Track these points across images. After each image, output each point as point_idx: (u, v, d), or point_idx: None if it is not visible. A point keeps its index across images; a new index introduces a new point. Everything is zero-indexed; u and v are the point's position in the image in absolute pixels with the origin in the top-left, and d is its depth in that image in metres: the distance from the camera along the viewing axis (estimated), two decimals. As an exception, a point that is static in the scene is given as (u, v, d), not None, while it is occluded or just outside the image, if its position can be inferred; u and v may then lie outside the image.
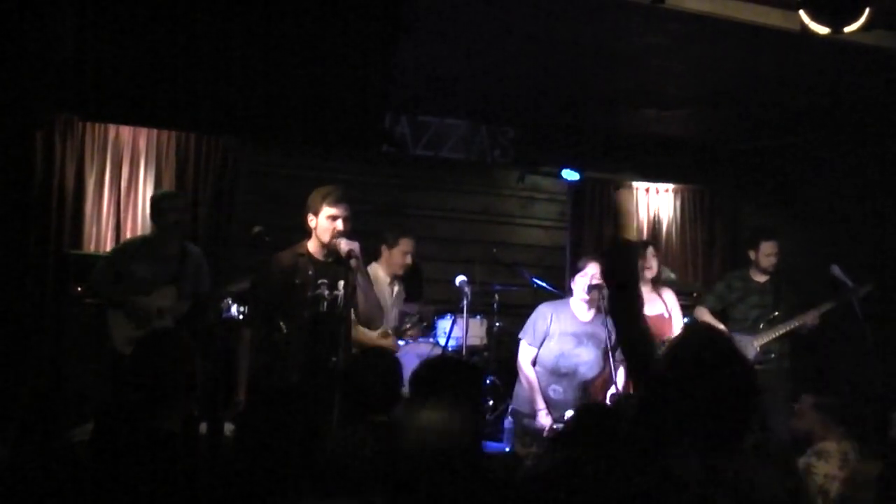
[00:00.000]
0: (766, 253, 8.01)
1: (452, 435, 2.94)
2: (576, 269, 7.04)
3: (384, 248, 7.16)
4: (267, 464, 3.24)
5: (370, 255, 7.01)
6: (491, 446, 6.40)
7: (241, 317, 6.89)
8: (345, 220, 5.68)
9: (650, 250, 7.64)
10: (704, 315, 8.14)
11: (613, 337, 6.68)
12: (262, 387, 5.48)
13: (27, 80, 6.95)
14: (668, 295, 7.61)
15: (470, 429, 3.00)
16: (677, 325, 7.47)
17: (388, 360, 4.60)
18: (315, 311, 5.66)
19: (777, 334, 7.84)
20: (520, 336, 7.01)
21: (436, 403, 3.05)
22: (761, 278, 8.09)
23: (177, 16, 6.53)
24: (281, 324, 5.57)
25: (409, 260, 7.24)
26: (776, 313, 7.89)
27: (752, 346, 7.80)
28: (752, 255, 8.12)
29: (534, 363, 6.86)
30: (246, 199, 8.72)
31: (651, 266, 7.53)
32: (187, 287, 7.04)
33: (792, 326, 7.80)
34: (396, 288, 7.21)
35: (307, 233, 5.79)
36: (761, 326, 7.89)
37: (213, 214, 8.49)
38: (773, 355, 7.83)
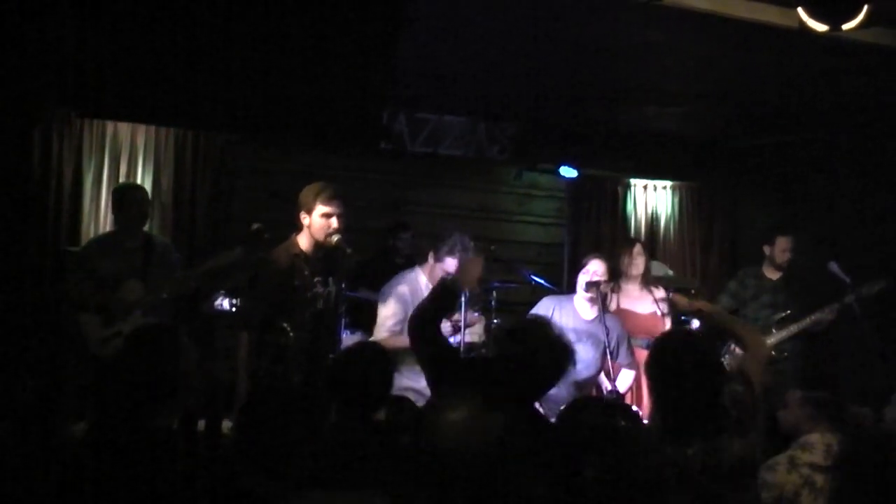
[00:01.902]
0: (782, 248, 7.97)
1: (487, 434, 2.94)
2: (579, 266, 7.05)
3: (430, 257, 6.89)
4: (268, 462, 3.24)
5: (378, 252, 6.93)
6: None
7: (233, 309, 6.85)
8: (339, 217, 5.65)
9: (637, 248, 7.55)
10: None
11: (613, 338, 6.69)
12: (264, 389, 5.45)
13: (25, 76, 6.94)
14: (660, 293, 7.56)
15: (501, 427, 2.98)
16: (668, 323, 7.46)
17: (375, 353, 4.59)
18: (314, 309, 5.66)
19: (790, 333, 7.72)
20: None
21: (469, 402, 3.04)
22: (774, 275, 8.04)
23: (175, 12, 6.53)
24: (286, 326, 5.53)
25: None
26: (788, 312, 7.80)
27: None
28: (766, 250, 8.06)
29: None
30: (244, 196, 8.72)
31: (637, 264, 7.46)
32: (155, 279, 6.81)
33: (805, 325, 7.68)
34: None
35: (297, 228, 5.77)
36: (773, 326, 7.78)
37: (212, 212, 8.49)
38: (785, 354, 7.73)
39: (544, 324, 4.57)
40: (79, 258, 7.01)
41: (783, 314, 7.81)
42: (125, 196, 6.98)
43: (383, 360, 4.47)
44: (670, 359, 3.86)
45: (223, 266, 6.68)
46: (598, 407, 4.32)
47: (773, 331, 7.75)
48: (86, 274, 6.78)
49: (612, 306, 7.17)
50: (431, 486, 2.90)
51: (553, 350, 4.30)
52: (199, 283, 6.94)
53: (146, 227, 7.11)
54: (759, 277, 8.10)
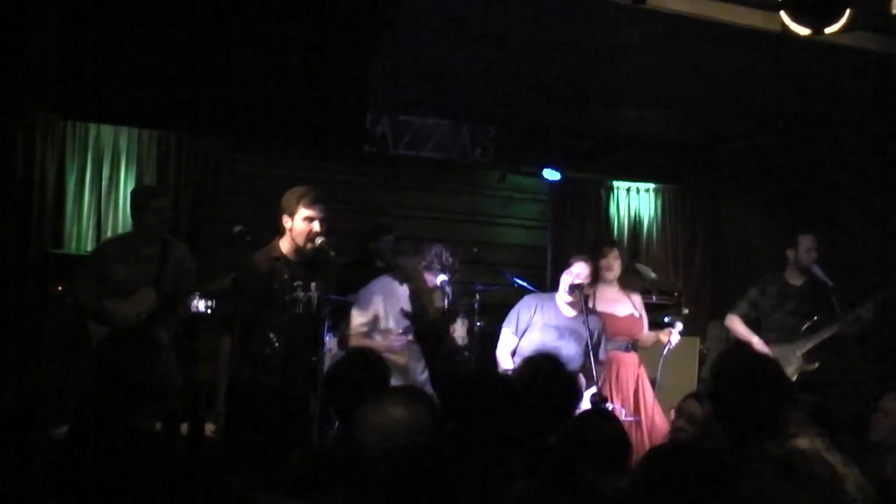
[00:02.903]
0: (807, 248, 7.63)
1: (413, 431, 2.94)
2: (563, 267, 7.09)
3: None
4: (250, 464, 3.25)
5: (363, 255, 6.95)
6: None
7: (208, 311, 6.80)
8: (321, 222, 5.65)
9: (613, 252, 7.44)
10: (736, 323, 7.77)
11: (595, 336, 6.74)
12: (246, 393, 5.43)
13: (8, 79, 6.92)
14: (636, 297, 7.53)
15: (431, 425, 2.99)
16: (645, 325, 7.47)
17: (374, 360, 4.60)
18: (292, 313, 5.65)
19: (820, 340, 7.46)
20: (503, 325, 7.03)
21: (398, 399, 3.05)
22: (798, 280, 7.70)
23: (159, 15, 6.51)
24: (271, 336, 5.54)
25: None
26: (815, 318, 7.51)
27: (794, 355, 7.49)
28: (790, 254, 7.72)
29: (513, 354, 6.90)
30: (227, 199, 8.70)
31: (613, 267, 7.37)
32: (168, 285, 6.68)
33: (835, 329, 7.41)
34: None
35: (279, 232, 5.77)
36: (801, 333, 7.53)
37: (194, 214, 8.47)
38: (816, 364, 7.47)
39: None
40: (90, 261, 6.85)
41: (810, 322, 7.54)
42: (147, 203, 6.75)
43: (378, 369, 4.49)
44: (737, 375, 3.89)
45: (228, 288, 6.62)
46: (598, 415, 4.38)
47: (801, 339, 7.53)
48: (96, 279, 6.65)
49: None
50: (355, 483, 2.92)
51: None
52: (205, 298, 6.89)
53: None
54: (781, 284, 7.74)
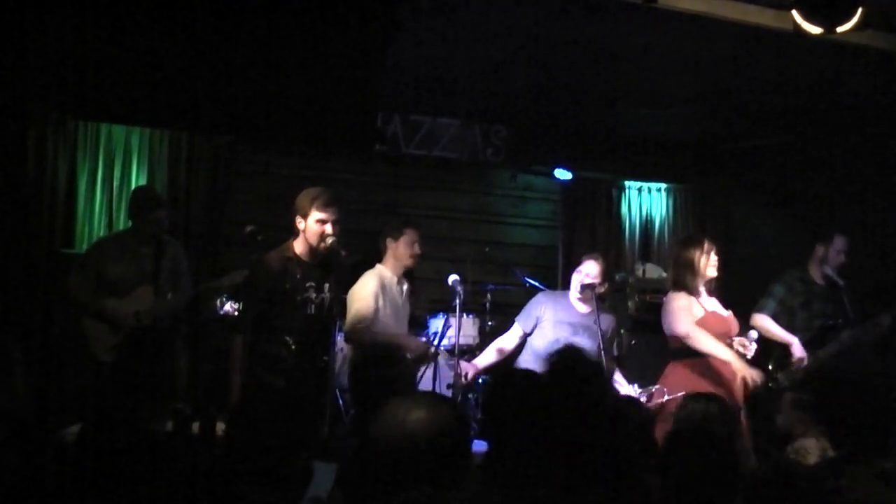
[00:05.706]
0: (839, 249, 7.51)
1: (435, 434, 2.94)
2: (574, 266, 7.12)
3: (389, 242, 6.92)
4: (260, 465, 3.24)
5: (371, 254, 7.00)
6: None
7: (235, 313, 6.81)
8: (334, 224, 5.67)
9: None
10: (768, 323, 7.48)
11: (608, 335, 6.79)
12: (257, 393, 5.43)
13: (20, 79, 6.93)
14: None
15: (448, 430, 2.99)
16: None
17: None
18: (303, 314, 5.66)
19: (843, 345, 7.26)
20: (515, 319, 7.10)
21: (416, 402, 3.06)
22: (821, 280, 7.55)
23: (171, 14, 6.51)
24: (287, 338, 5.55)
25: (417, 250, 6.90)
26: (839, 321, 7.33)
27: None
28: (820, 251, 7.57)
29: (518, 348, 7.08)
30: (238, 199, 8.71)
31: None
32: (165, 284, 6.70)
33: (854, 337, 7.23)
34: (405, 286, 6.99)
35: (294, 233, 5.78)
36: (827, 337, 7.36)
37: (206, 213, 8.48)
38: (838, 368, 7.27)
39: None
40: (85, 259, 6.86)
41: (832, 323, 7.38)
42: (148, 213, 6.78)
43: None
44: None
45: (235, 286, 6.61)
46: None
47: (827, 342, 7.35)
48: (92, 276, 6.64)
49: None
50: (377, 478, 2.92)
51: None
52: (211, 296, 6.89)
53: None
54: (807, 283, 7.59)
